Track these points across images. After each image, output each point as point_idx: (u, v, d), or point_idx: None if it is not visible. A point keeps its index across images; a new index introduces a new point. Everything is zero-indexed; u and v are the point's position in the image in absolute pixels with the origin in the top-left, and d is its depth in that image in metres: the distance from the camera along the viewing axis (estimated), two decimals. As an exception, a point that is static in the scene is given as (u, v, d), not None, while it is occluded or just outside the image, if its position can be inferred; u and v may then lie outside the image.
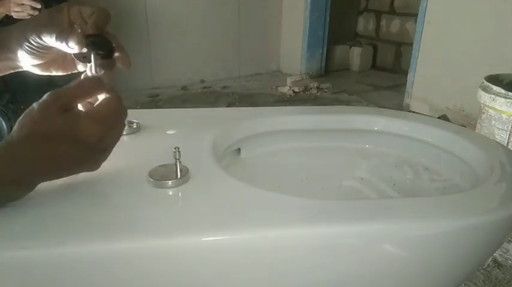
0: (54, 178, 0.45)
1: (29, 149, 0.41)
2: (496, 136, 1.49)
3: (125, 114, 0.47)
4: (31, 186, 0.43)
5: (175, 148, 0.48)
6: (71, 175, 0.46)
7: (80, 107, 0.46)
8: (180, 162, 0.49)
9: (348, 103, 2.77)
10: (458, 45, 2.21)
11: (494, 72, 1.63)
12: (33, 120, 0.41)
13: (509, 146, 1.44)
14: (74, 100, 0.45)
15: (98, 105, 0.45)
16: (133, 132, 0.65)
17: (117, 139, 0.47)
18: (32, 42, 0.48)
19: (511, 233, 0.54)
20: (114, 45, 0.49)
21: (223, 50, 3.22)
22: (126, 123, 0.61)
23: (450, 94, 2.29)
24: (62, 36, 0.47)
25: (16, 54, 0.51)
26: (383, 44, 3.71)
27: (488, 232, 0.49)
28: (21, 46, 0.50)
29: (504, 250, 1.19)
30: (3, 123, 1.54)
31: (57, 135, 0.41)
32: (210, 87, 3.03)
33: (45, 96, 0.44)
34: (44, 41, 0.48)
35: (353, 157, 0.80)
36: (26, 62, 0.51)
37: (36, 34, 0.48)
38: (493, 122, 1.50)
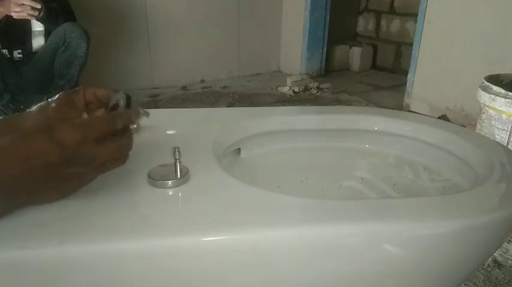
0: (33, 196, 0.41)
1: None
2: (496, 136, 1.49)
3: (122, 162, 0.45)
4: (11, 203, 0.40)
5: (175, 148, 0.48)
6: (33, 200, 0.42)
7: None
8: (180, 162, 0.49)
9: (348, 103, 2.77)
10: (458, 45, 2.21)
11: (494, 72, 1.63)
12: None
13: (509, 146, 1.44)
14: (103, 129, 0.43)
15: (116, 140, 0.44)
16: (133, 133, 0.65)
17: (93, 178, 0.45)
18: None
19: (511, 233, 0.54)
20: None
21: (223, 50, 3.22)
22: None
23: (450, 94, 2.29)
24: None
25: None
26: (383, 44, 3.71)
27: (488, 232, 0.49)
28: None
29: (504, 250, 1.19)
30: (3, 124, 1.53)
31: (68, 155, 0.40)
32: (210, 87, 3.03)
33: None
34: None
35: (353, 157, 0.80)
36: None
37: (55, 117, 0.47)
38: (493, 122, 1.50)
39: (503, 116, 1.46)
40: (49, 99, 0.48)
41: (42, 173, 0.40)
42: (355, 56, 3.64)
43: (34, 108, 0.48)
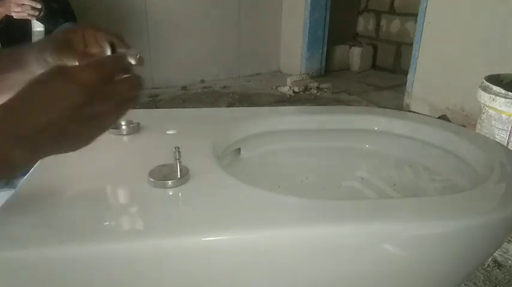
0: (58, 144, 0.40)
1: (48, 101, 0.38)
2: (496, 136, 1.49)
3: (138, 99, 0.44)
4: (35, 154, 0.39)
5: (175, 148, 0.48)
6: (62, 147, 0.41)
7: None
8: (180, 162, 0.49)
9: (348, 103, 2.76)
10: (458, 45, 2.21)
11: (494, 72, 1.63)
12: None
13: (509, 146, 1.44)
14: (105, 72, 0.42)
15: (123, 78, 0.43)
16: (134, 133, 0.65)
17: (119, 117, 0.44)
18: (52, 64, 0.51)
19: (511, 233, 0.54)
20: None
21: (223, 50, 3.22)
22: (124, 123, 0.62)
23: (450, 94, 2.29)
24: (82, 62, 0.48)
25: (35, 72, 0.52)
26: (383, 44, 3.71)
27: (488, 232, 0.49)
28: (40, 65, 0.53)
29: (504, 250, 1.19)
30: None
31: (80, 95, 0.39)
32: (210, 87, 3.03)
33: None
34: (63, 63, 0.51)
35: (353, 157, 0.80)
36: None
37: (55, 56, 0.51)
38: (493, 122, 1.50)
39: (503, 116, 1.46)
40: (48, 36, 0.51)
41: (67, 117, 0.38)
42: (355, 56, 3.64)
43: (33, 43, 0.52)
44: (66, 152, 0.41)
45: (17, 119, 0.38)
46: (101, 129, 0.42)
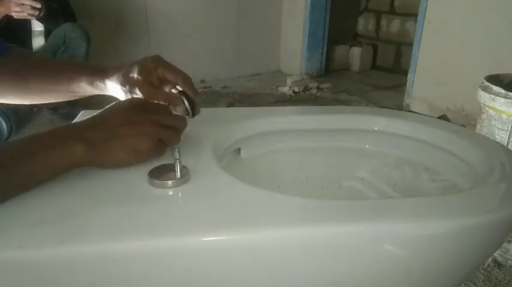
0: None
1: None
2: (496, 136, 1.49)
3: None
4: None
5: (175, 148, 0.48)
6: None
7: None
8: (180, 162, 0.49)
9: (348, 103, 2.77)
10: (458, 45, 2.21)
11: (494, 72, 1.63)
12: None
13: (509, 146, 1.44)
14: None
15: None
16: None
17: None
18: (129, 96, 0.60)
19: (511, 233, 0.54)
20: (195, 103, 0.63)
21: (223, 50, 3.22)
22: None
23: (450, 94, 2.29)
24: (171, 102, 0.60)
25: (78, 93, 0.65)
26: (383, 44, 3.71)
27: (488, 232, 0.49)
28: (95, 89, 0.63)
29: (504, 250, 1.19)
30: (3, 124, 1.54)
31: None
32: (210, 87, 3.03)
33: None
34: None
35: (353, 157, 0.80)
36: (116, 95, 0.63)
37: (133, 92, 0.60)
38: (493, 122, 1.50)
39: (503, 116, 1.46)
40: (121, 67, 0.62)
41: (123, 135, 0.51)
42: (355, 56, 3.64)
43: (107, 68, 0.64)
44: (101, 163, 0.51)
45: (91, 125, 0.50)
46: (136, 160, 0.52)
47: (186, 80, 0.62)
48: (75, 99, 0.67)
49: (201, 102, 0.64)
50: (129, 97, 0.60)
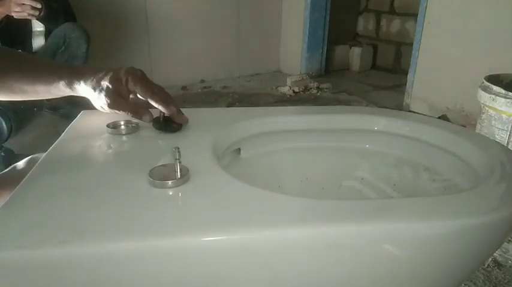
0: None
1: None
2: (496, 136, 1.49)
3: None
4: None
5: (175, 148, 0.48)
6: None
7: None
8: (180, 162, 0.49)
9: (348, 103, 2.77)
10: (458, 45, 2.21)
11: (494, 72, 1.63)
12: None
13: (509, 146, 1.44)
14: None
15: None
16: (133, 132, 0.65)
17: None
18: (102, 109, 0.64)
19: (511, 233, 0.54)
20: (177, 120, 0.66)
21: (223, 50, 3.22)
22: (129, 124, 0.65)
23: (450, 94, 2.29)
24: (135, 114, 0.64)
25: (55, 94, 0.66)
26: (383, 44, 3.71)
27: (488, 232, 0.49)
28: (89, 92, 0.64)
29: (504, 250, 1.19)
30: (3, 124, 1.54)
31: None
32: (210, 87, 3.03)
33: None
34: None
35: (353, 157, 0.80)
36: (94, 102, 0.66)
37: (101, 98, 0.63)
38: (493, 122, 1.50)
39: (503, 116, 1.46)
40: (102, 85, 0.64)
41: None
42: (355, 56, 3.65)
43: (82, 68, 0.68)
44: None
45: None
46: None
47: (155, 95, 0.64)
48: (76, 99, 0.68)
49: (176, 113, 0.65)
50: (98, 102, 0.63)
